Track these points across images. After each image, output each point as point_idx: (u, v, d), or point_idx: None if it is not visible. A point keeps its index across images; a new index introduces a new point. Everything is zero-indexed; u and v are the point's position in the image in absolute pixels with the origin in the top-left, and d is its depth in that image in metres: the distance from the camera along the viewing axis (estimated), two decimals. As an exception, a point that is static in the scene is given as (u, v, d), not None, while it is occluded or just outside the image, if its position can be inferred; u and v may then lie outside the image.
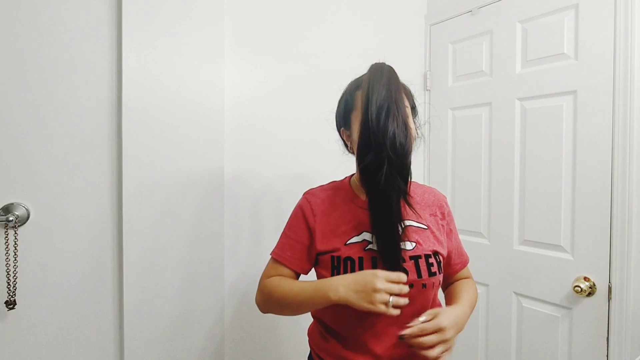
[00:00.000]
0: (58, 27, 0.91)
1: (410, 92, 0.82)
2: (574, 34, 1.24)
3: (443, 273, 0.83)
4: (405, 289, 0.66)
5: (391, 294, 0.65)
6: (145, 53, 0.99)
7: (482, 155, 1.49)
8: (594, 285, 1.19)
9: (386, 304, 0.65)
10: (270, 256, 0.85)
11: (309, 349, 0.89)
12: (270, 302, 0.79)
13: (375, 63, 0.73)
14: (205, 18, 1.09)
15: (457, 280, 0.90)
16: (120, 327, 1.00)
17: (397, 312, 0.66)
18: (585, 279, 1.21)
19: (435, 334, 0.66)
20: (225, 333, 1.16)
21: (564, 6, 1.26)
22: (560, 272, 1.27)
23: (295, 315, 0.79)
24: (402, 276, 0.67)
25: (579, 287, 1.19)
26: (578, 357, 1.23)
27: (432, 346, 0.66)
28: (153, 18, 1.00)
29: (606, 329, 1.17)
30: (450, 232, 0.87)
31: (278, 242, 0.85)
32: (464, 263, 0.91)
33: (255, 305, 0.84)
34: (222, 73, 1.12)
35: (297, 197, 0.89)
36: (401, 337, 0.67)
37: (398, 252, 0.71)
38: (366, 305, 0.65)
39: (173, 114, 1.04)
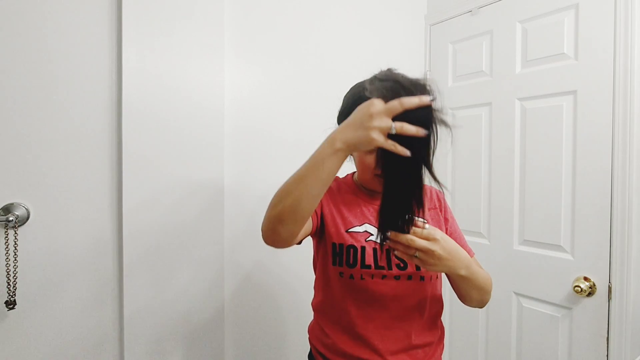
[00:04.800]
0: (58, 27, 0.91)
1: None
2: (574, 34, 1.24)
3: None
4: (413, 101, 0.54)
5: (394, 119, 0.54)
6: (145, 53, 0.99)
7: (482, 155, 1.49)
8: (594, 285, 1.19)
9: (386, 132, 0.54)
10: None
11: (309, 347, 0.89)
12: (275, 206, 0.63)
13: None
14: (206, 18, 1.09)
15: None
16: (120, 327, 1.00)
17: (405, 152, 0.55)
18: (585, 279, 1.21)
19: (424, 240, 0.63)
20: (226, 332, 1.17)
21: (564, 6, 1.26)
22: (560, 272, 1.27)
23: (304, 203, 0.60)
24: (406, 101, 0.54)
25: (579, 287, 1.19)
26: (578, 357, 1.23)
27: (414, 248, 0.62)
28: (153, 18, 1.00)
29: (606, 329, 1.17)
30: (447, 221, 0.87)
31: None
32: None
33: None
34: (222, 73, 1.12)
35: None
36: (386, 238, 0.64)
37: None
38: (364, 138, 0.55)
39: (173, 113, 1.04)
